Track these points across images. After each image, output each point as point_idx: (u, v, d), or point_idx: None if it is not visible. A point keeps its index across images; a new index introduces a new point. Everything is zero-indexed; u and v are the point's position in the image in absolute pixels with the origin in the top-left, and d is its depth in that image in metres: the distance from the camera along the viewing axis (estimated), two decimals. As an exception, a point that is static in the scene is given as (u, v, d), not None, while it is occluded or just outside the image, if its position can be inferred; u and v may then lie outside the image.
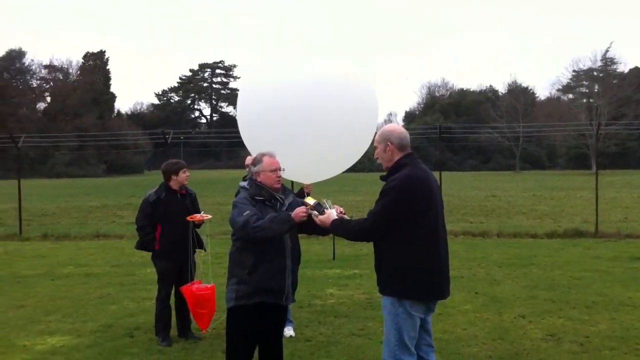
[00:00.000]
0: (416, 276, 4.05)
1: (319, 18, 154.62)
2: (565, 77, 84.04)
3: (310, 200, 4.53)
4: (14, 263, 12.03)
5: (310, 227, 4.51)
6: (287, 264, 4.52)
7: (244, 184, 4.74)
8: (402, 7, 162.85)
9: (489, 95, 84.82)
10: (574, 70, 76.90)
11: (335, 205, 4.45)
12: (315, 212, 4.38)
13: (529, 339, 6.55)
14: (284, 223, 4.37)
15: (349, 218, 4.45)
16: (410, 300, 4.07)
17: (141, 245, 6.90)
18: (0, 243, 15.11)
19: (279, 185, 4.66)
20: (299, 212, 4.37)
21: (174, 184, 6.78)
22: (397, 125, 4.40)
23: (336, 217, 4.34)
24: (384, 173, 4.32)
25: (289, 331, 6.72)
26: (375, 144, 4.37)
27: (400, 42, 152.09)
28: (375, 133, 4.55)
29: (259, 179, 4.62)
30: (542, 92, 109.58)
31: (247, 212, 4.40)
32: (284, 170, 4.71)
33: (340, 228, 4.32)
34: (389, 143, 4.23)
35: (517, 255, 12.19)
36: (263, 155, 4.70)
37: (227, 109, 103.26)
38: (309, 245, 12.56)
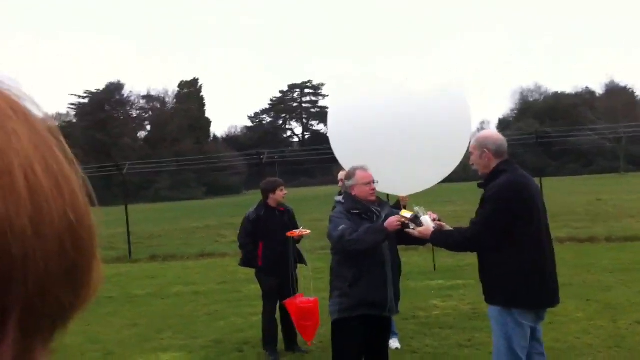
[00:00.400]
0: (523, 283, 3.97)
1: (318, 17, 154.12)
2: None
3: (406, 214, 4.51)
4: (126, 284, 12.59)
5: (408, 238, 4.51)
6: (388, 275, 4.53)
7: (339, 198, 4.82)
8: (402, 7, 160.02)
9: (585, 97, 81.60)
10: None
11: (429, 212, 4.44)
12: (413, 225, 4.38)
13: (648, 346, 6.23)
14: (378, 233, 4.41)
15: (446, 226, 4.42)
16: (519, 309, 3.98)
17: (244, 263, 7.11)
18: (112, 265, 15.85)
19: (374, 198, 4.70)
20: (393, 221, 4.39)
21: (272, 201, 6.94)
22: (493, 131, 4.34)
23: (435, 228, 4.31)
24: (481, 181, 4.28)
25: (394, 343, 6.70)
26: (471, 150, 4.32)
27: (400, 42, 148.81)
28: (470, 140, 4.52)
29: (353, 193, 4.68)
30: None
31: (343, 226, 4.47)
32: (377, 182, 4.74)
33: (441, 239, 4.30)
34: (486, 150, 4.17)
35: (629, 259, 11.62)
36: (356, 169, 4.77)
37: (317, 126, 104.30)
38: (408, 257, 12.46)
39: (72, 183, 0.45)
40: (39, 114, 0.46)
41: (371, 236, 4.41)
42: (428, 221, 4.38)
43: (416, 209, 4.46)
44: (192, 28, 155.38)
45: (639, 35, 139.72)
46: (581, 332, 6.88)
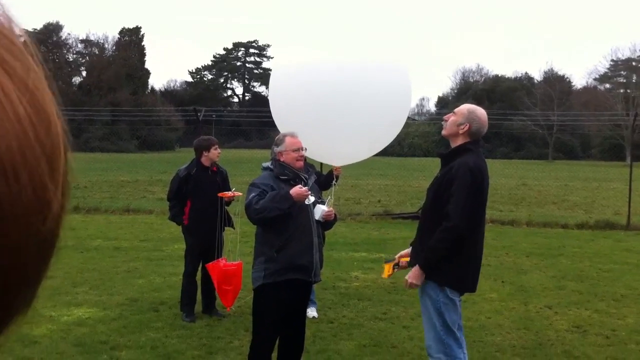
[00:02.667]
0: (464, 267, 4.09)
1: (319, 17, 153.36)
2: (602, 66, 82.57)
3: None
4: (45, 234, 12.20)
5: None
6: (314, 240, 4.54)
7: (267, 164, 4.79)
8: (403, 6, 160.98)
9: (524, 83, 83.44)
10: (612, 60, 75.44)
11: (330, 208, 4.58)
12: (314, 199, 4.55)
13: (554, 330, 6.48)
14: (283, 201, 4.43)
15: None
16: (451, 289, 4.09)
17: (172, 218, 7.03)
18: (33, 214, 15.36)
19: (301, 164, 4.71)
20: (301, 191, 4.44)
21: (205, 160, 6.81)
22: (484, 112, 4.31)
23: (421, 263, 4.19)
24: (442, 149, 4.34)
25: (312, 312, 6.74)
26: (456, 112, 4.24)
27: (400, 41, 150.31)
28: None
29: (282, 159, 4.67)
30: (579, 80, 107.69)
31: (252, 194, 4.49)
32: (306, 150, 4.76)
33: (432, 259, 4.17)
34: (469, 124, 4.15)
35: (546, 245, 12.04)
36: (285, 135, 4.79)
37: (259, 88, 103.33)
38: (335, 228, 12.55)
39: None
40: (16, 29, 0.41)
41: (276, 203, 4.41)
42: (318, 209, 4.52)
43: (328, 198, 4.58)
44: (228, 5, 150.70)
45: (580, 24, 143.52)
46: (493, 312, 7.09)
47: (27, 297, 0.41)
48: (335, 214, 4.75)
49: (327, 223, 4.79)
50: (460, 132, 4.15)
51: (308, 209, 4.58)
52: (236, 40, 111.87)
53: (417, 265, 4.17)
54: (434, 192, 4.22)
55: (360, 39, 6.88)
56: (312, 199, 4.53)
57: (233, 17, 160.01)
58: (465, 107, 4.29)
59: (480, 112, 4.26)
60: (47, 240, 0.41)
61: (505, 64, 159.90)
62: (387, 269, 4.52)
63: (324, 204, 4.65)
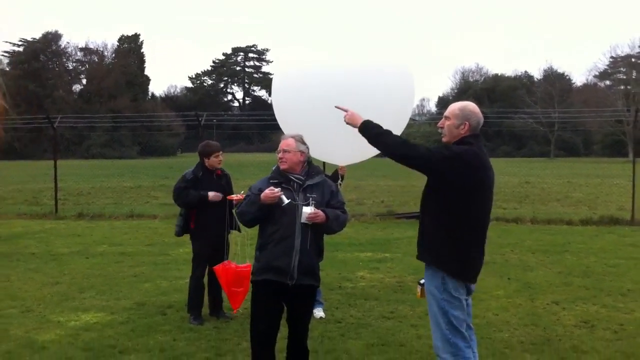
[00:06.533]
0: (462, 254, 4.04)
1: (318, 17, 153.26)
2: (602, 63, 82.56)
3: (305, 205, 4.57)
4: (50, 241, 12.25)
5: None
6: (296, 244, 4.51)
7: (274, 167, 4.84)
8: (403, 6, 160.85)
9: (524, 81, 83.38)
10: (612, 57, 75.47)
11: (314, 210, 4.50)
12: (288, 201, 4.49)
13: (561, 326, 6.47)
14: (252, 204, 4.55)
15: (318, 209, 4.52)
16: (450, 277, 4.04)
17: (181, 230, 6.98)
18: (37, 222, 15.40)
19: (284, 166, 4.68)
20: (268, 194, 4.46)
21: (208, 164, 6.86)
22: (475, 105, 4.30)
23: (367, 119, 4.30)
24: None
25: (319, 312, 6.75)
26: (448, 116, 4.16)
27: (400, 41, 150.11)
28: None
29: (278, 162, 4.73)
30: (579, 78, 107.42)
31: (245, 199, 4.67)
32: (304, 151, 4.72)
33: (373, 128, 4.25)
34: (467, 123, 4.11)
35: (551, 241, 12.03)
36: (281, 137, 4.82)
37: (259, 92, 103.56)
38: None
39: None
40: None
41: (248, 207, 4.58)
42: (305, 210, 4.48)
43: (310, 200, 4.53)
44: (226, 11, 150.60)
45: (578, 23, 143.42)
46: (500, 309, 7.09)
47: None
48: (328, 216, 4.55)
49: (323, 226, 4.61)
50: (462, 132, 4.12)
51: (295, 212, 4.53)
52: (235, 44, 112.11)
53: (362, 118, 4.30)
54: (427, 187, 4.23)
55: (361, 39, 6.86)
56: (285, 200, 4.48)
57: (233, 17, 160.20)
58: (456, 107, 4.24)
59: (472, 106, 4.25)
60: None
61: (505, 64, 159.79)
62: (422, 290, 4.43)
63: (309, 206, 4.54)
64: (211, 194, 6.72)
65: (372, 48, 6.68)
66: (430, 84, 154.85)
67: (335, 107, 4.58)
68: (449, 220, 4.04)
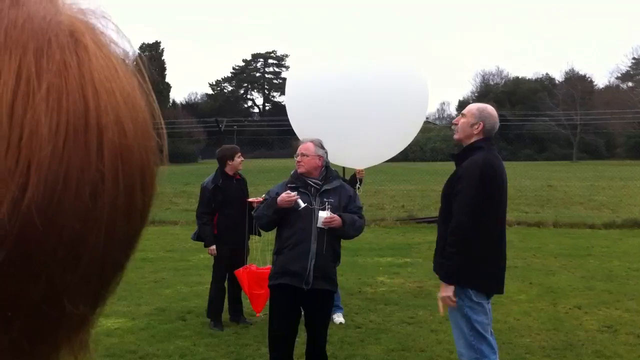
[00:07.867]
0: (484, 267, 4.00)
1: (318, 17, 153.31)
2: (624, 64, 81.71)
3: (322, 210, 4.59)
4: (73, 248, 12.33)
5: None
6: (312, 248, 4.51)
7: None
8: (403, 6, 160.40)
9: (545, 84, 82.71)
10: (634, 58, 74.59)
11: (330, 215, 4.51)
12: (304, 205, 4.52)
13: (584, 330, 6.40)
14: (268, 207, 4.58)
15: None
16: (474, 290, 4.00)
17: (197, 237, 7.02)
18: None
19: (302, 170, 4.71)
20: (284, 197, 4.50)
21: (229, 169, 6.86)
22: (493, 109, 4.30)
23: (442, 277, 4.15)
24: (454, 151, 4.29)
25: (338, 318, 6.74)
26: (465, 114, 4.20)
27: (400, 41, 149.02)
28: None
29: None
30: (601, 80, 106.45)
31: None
32: (306, 155, 4.72)
33: (450, 267, 4.09)
34: (482, 123, 4.11)
35: (573, 245, 11.90)
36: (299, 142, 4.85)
37: (279, 98, 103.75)
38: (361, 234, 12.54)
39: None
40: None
41: (265, 210, 4.62)
42: (320, 215, 4.50)
43: (326, 204, 4.56)
44: (247, 18, 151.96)
45: (599, 25, 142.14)
46: (521, 314, 7.02)
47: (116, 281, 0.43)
48: (344, 221, 4.55)
49: (339, 231, 4.60)
50: (475, 132, 4.11)
51: (311, 216, 4.55)
52: (255, 50, 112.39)
53: (441, 282, 4.14)
54: (444, 195, 4.20)
55: (369, 41, 6.83)
56: (301, 204, 4.50)
57: (254, 20, 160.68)
58: (475, 107, 4.25)
59: (490, 109, 4.25)
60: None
61: (523, 67, 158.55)
62: (444, 305, 4.40)
63: (319, 210, 4.56)
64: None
65: (381, 49, 6.66)
66: (451, 87, 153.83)
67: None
68: (479, 235, 4.00)
